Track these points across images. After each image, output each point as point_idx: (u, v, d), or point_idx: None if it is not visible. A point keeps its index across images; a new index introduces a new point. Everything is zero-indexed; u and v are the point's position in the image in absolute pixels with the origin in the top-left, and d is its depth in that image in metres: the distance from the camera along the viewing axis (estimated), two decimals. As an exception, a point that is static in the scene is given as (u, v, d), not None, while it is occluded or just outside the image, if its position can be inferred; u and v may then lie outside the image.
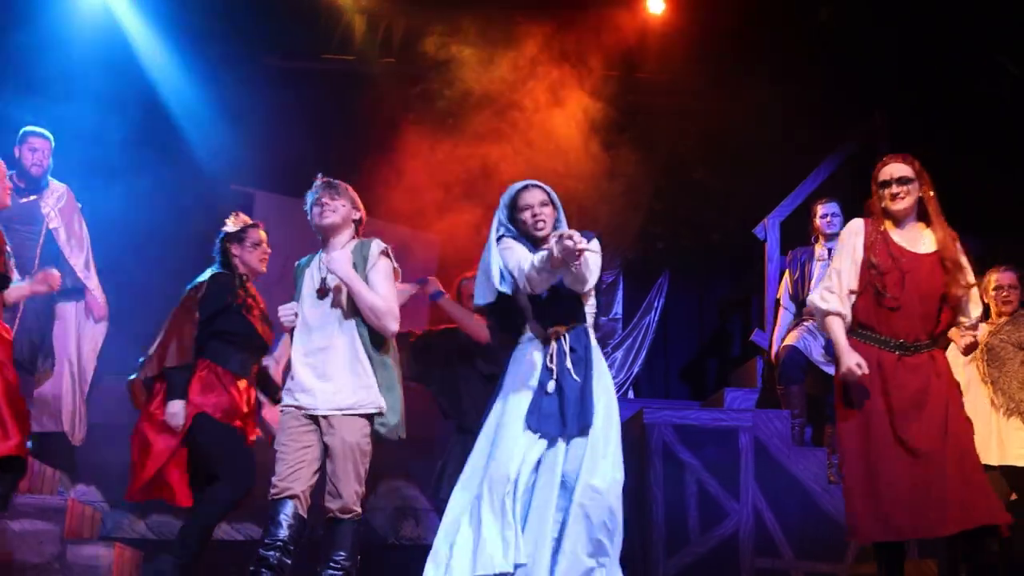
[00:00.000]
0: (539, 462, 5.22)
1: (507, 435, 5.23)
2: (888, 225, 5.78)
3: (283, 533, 5.46)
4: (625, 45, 10.02)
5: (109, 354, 8.38)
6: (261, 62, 10.10)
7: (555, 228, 5.46)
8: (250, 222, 6.66)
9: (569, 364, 5.30)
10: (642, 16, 9.96)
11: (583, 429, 5.20)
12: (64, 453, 8.18)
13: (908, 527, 5.50)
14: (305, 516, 5.55)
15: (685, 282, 11.59)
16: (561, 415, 5.22)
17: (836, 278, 5.75)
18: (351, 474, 5.52)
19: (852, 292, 5.72)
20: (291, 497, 5.49)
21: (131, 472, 6.36)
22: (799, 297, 8.68)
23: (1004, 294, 7.37)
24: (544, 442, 5.22)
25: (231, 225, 6.69)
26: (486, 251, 5.44)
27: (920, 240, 5.75)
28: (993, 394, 7.14)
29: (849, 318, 5.73)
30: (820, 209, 8.70)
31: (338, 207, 5.70)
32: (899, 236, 5.75)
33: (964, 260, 5.73)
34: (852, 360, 5.55)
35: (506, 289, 5.31)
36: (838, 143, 9.79)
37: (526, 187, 5.50)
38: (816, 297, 5.83)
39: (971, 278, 5.74)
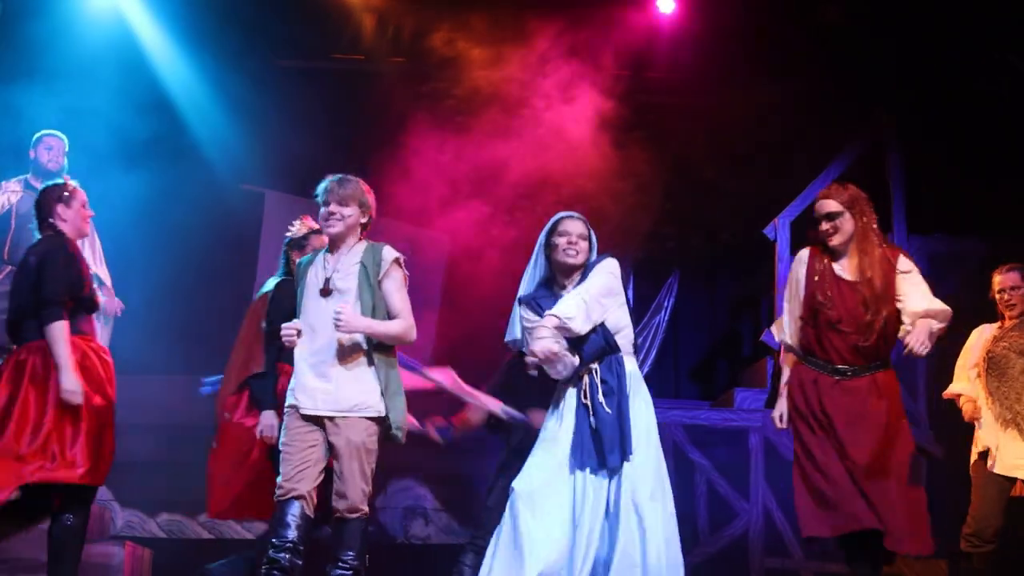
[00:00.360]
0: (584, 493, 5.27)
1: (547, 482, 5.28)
2: (831, 254, 5.95)
3: (292, 534, 5.44)
4: (635, 44, 10.01)
5: (120, 353, 8.37)
6: (271, 61, 10.10)
7: (587, 262, 5.54)
8: (313, 227, 6.55)
9: (601, 398, 5.32)
10: (652, 15, 9.95)
11: (623, 458, 5.24)
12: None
13: (843, 522, 5.68)
14: (312, 516, 5.53)
15: (695, 282, 11.58)
16: (598, 450, 5.25)
17: (786, 308, 6.01)
18: (357, 474, 5.49)
19: (800, 320, 5.92)
20: (298, 497, 5.46)
21: (215, 487, 6.45)
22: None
23: (1006, 297, 7.07)
24: (590, 475, 5.26)
25: (294, 231, 6.66)
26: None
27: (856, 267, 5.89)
28: (991, 405, 6.93)
29: (797, 347, 5.94)
30: (828, 208, 8.68)
31: (345, 215, 5.62)
32: (840, 265, 5.92)
33: (896, 279, 5.84)
34: (777, 411, 5.94)
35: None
36: (848, 142, 9.78)
37: (571, 216, 5.61)
38: (774, 328, 6.12)
39: (906, 289, 5.84)
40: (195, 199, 9.69)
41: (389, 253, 5.67)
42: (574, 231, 5.52)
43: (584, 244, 5.53)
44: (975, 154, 9.15)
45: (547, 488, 5.25)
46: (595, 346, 5.39)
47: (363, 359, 5.55)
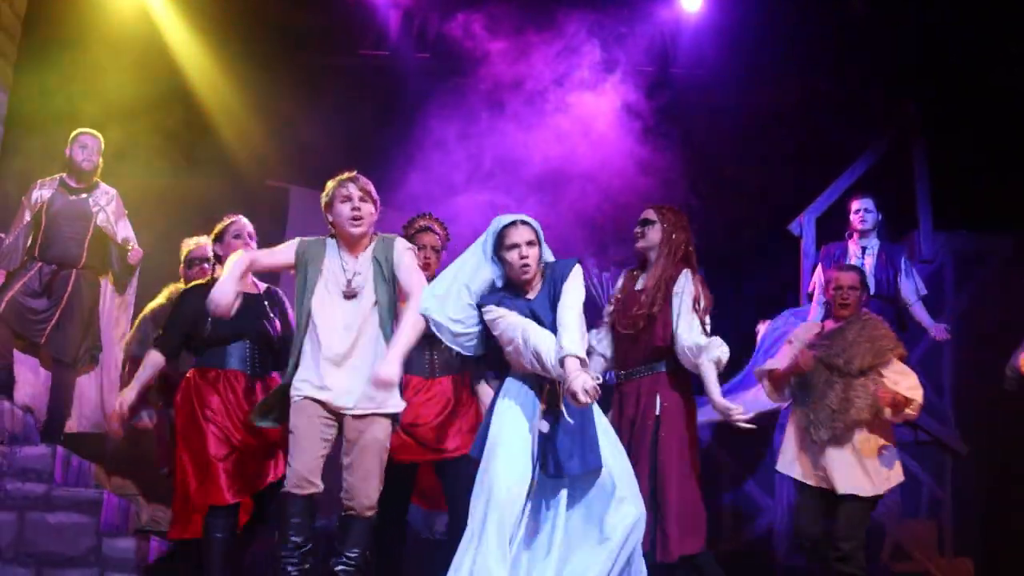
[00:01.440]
0: (541, 504, 5.10)
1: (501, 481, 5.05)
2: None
3: (309, 532, 5.44)
4: (660, 40, 10.01)
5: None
6: (296, 57, 10.13)
7: (539, 264, 5.33)
8: (205, 246, 6.71)
9: (563, 406, 5.06)
10: (677, 12, 9.95)
11: (586, 469, 5.03)
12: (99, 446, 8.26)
13: None
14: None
15: (720, 279, 11.54)
16: (556, 457, 5.03)
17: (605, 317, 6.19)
18: (375, 471, 5.48)
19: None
20: (314, 492, 5.45)
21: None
22: (831, 294, 8.63)
23: (842, 295, 6.81)
24: (548, 482, 5.08)
25: (191, 249, 6.84)
26: (451, 279, 5.42)
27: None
28: (806, 418, 6.64)
29: (608, 354, 6.15)
30: (854, 205, 8.67)
31: (370, 213, 5.62)
32: (644, 275, 6.12)
33: (675, 296, 5.98)
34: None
35: (478, 351, 5.39)
36: (873, 139, 9.75)
37: (514, 223, 5.34)
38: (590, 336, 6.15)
39: (677, 312, 5.95)
40: (219, 195, 9.70)
41: (400, 244, 5.68)
42: (522, 240, 5.27)
43: (535, 251, 5.29)
44: (1001, 151, 9.11)
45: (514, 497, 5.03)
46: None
47: (374, 356, 5.52)
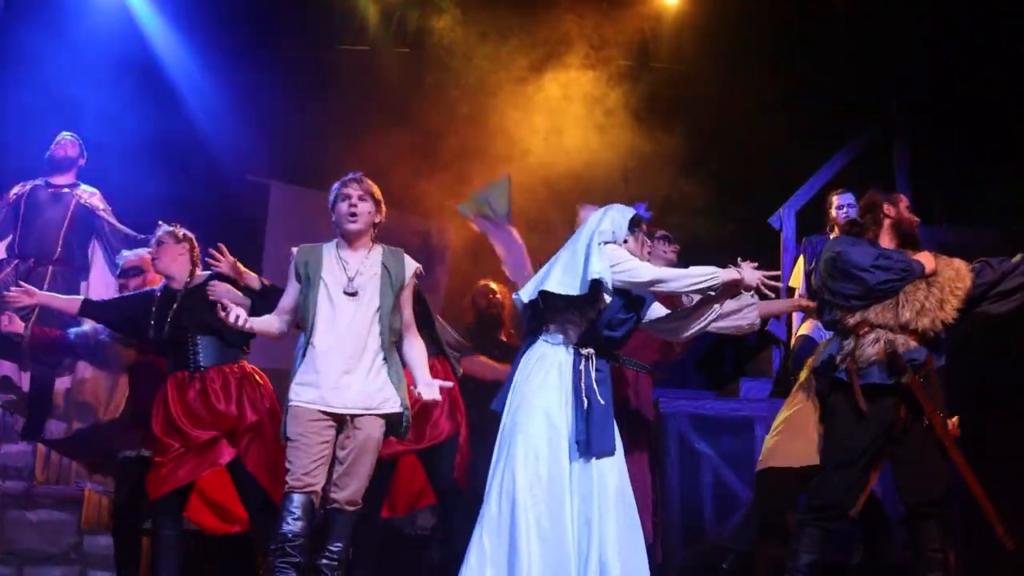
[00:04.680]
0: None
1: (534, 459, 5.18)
2: None
3: (306, 529, 5.42)
4: (640, 35, 10.01)
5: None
6: (276, 52, 10.10)
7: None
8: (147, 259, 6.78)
9: (595, 384, 5.25)
10: (657, 5, 9.95)
11: (601, 454, 5.18)
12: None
13: None
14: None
15: (700, 272, 11.55)
16: (587, 436, 5.17)
17: None
18: (367, 469, 5.56)
19: None
20: (314, 492, 5.46)
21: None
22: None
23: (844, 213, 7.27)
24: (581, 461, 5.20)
25: (128, 259, 6.99)
26: (575, 246, 5.46)
27: None
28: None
29: None
30: (836, 200, 8.67)
31: (367, 211, 5.68)
32: None
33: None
34: None
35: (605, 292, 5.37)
36: (854, 132, 9.77)
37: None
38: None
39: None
40: (200, 190, 9.68)
41: (411, 263, 5.76)
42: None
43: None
44: (981, 145, 9.14)
45: (551, 487, 5.14)
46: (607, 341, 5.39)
47: (382, 357, 5.61)
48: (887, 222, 5.93)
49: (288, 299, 5.72)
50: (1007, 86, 9.14)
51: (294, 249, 5.75)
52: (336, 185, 5.74)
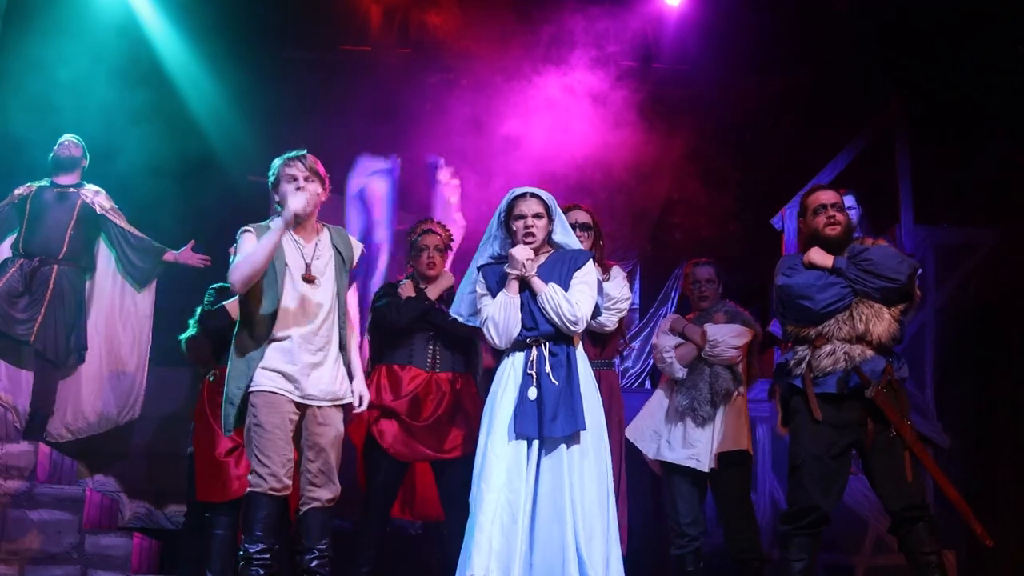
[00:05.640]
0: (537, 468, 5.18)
1: (495, 452, 5.20)
2: None
3: (278, 530, 5.35)
4: (643, 35, 10.01)
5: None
6: (278, 53, 10.11)
7: (549, 239, 5.47)
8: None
9: (548, 368, 5.21)
10: (660, 6, 9.95)
11: (566, 433, 5.13)
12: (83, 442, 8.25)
13: None
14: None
15: (702, 272, 11.55)
16: (539, 419, 5.13)
17: None
18: (336, 463, 5.45)
19: None
20: (286, 495, 5.33)
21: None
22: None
23: (700, 289, 7.18)
24: (526, 445, 5.16)
25: None
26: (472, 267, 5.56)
27: None
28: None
29: None
30: (836, 200, 8.66)
31: (317, 192, 5.46)
32: None
33: None
34: None
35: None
36: (856, 132, 9.76)
37: (523, 195, 5.45)
38: None
39: None
40: (202, 191, 9.68)
41: (357, 244, 5.68)
42: (528, 212, 5.40)
43: (542, 222, 5.42)
44: (983, 145, 9.13)
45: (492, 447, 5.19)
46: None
47: (336, 346, 5.50)
48: (804, 235, 6.07)
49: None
50: (1007, 86, 9.13)
51: (250, 228, 5.42)
52: (277, 162, 5.49)
